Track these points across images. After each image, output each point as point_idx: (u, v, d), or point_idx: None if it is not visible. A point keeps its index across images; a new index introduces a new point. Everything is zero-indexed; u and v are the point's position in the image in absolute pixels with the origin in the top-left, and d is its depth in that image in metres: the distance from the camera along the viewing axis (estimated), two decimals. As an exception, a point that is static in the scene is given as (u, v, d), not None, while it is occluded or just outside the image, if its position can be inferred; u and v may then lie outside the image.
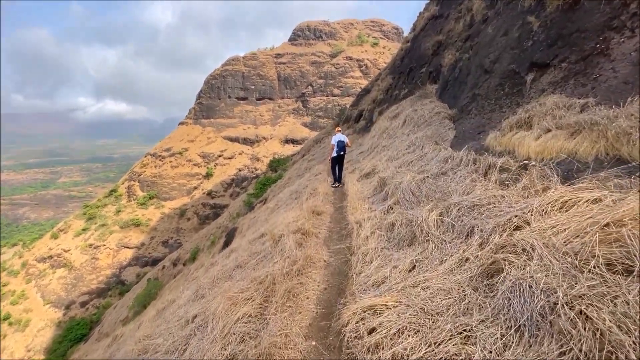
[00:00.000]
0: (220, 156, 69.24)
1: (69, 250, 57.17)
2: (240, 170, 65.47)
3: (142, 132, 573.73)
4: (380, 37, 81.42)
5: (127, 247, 56.51)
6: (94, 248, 56.41)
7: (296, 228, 4.62)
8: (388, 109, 13.05)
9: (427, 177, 4.62)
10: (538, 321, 1.62)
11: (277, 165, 29.23)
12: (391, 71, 18.04)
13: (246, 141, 71.48)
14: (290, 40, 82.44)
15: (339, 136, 9.01)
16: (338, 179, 8.87)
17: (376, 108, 16.25)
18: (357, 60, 72.53)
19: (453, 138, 6.49)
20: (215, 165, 67.96)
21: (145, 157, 72.65)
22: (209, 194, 62.91)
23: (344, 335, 2.31)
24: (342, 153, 8.78)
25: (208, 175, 66.50)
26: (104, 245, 56.70)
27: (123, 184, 70.71)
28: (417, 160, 6.01)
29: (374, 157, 8.64)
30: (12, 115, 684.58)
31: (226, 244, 12.20)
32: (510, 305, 1.81)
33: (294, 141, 66.71)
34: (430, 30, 13.19)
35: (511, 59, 6.06)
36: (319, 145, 25.38)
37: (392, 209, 4.35)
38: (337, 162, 8.92)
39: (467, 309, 2.03)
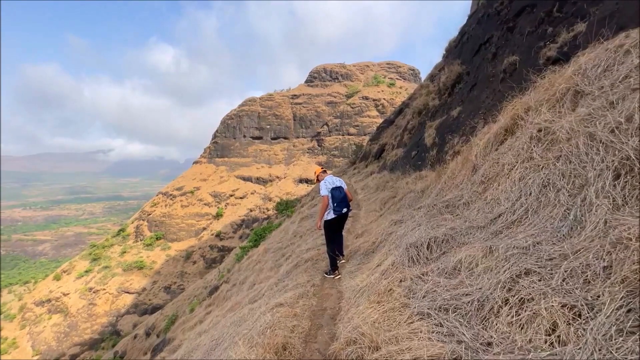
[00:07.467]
0: (231, 196, 67.07)
1: (68, 294, 54.13)
2: (251, 211, 62.58)
3: (164, 172, 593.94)
4: (397, 79, 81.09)
5: (128, 292, 52.87)
6: (93, 292, 53.12)
7: None
8: (477, 113, 6.09)
9: None
10: None
11: (284, 208, 25.92)
12: (454, 56, 10.49)
13: (259, 180, 69.48)
14: (306, 82, 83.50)
15: (332, 179, 4.80)
16: (332, 266, 4.70)
17: (428, 121, 9.72)
18: (374, 100, 71.48)
19: None
20: (226, 205, 65.55)
21: (157, 196, 71.59)
22: (218, 235, 59.74)
23: None
24: (345, 211, 4.64)
25: (218, 216, 63.87)
26: (104, 289, 53.37)
27: (132, 223, 69.06)
28: None
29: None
30: (42, 155, 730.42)
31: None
32: None
33: (307, 181, 63.97)
34: None
35: None
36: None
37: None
38: (338, 228, 4.84)
39: None
